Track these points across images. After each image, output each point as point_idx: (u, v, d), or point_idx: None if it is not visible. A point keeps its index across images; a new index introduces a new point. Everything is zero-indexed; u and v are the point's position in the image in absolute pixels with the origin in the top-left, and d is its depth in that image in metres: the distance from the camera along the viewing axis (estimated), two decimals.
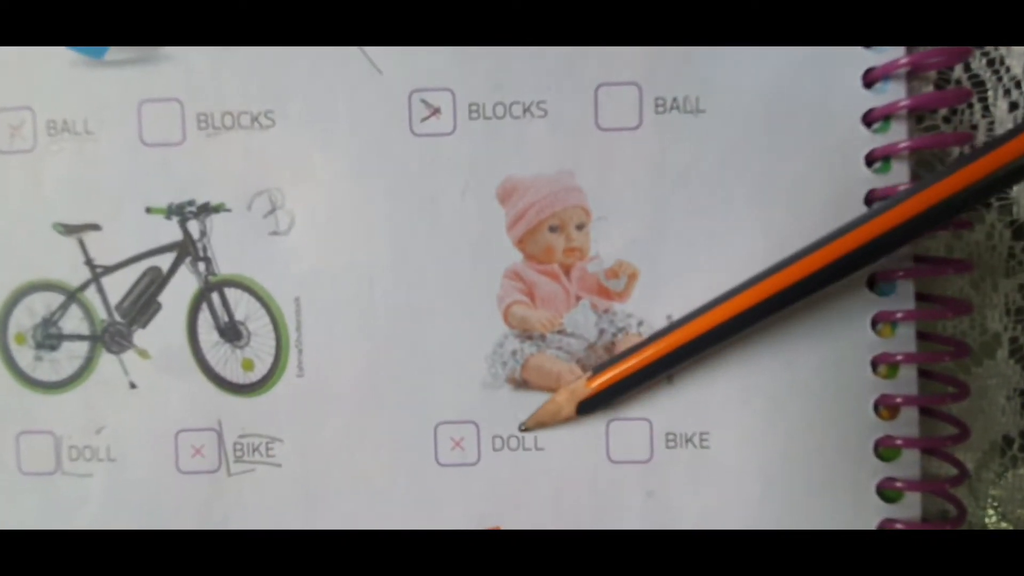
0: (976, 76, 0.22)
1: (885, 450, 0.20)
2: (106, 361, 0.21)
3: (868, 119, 0.20)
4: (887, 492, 0.20)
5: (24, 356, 0.22)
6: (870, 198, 0.20)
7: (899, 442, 0.20)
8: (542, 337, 0.21)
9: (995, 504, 0.22)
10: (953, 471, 0.20)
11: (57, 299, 0.21)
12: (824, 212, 0.20)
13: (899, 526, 0.20)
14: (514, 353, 0.21)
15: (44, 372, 0.22)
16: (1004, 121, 0.22)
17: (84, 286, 0.21)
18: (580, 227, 0.21)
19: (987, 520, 0.22)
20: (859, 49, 0.20)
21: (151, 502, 0.21)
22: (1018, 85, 0.22)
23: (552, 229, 0.21)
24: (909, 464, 0.20)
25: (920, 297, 0.20)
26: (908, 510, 0.20)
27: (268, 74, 0.21)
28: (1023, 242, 0.22)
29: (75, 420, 0.21)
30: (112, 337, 0.21)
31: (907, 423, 0.20)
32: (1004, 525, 0.22)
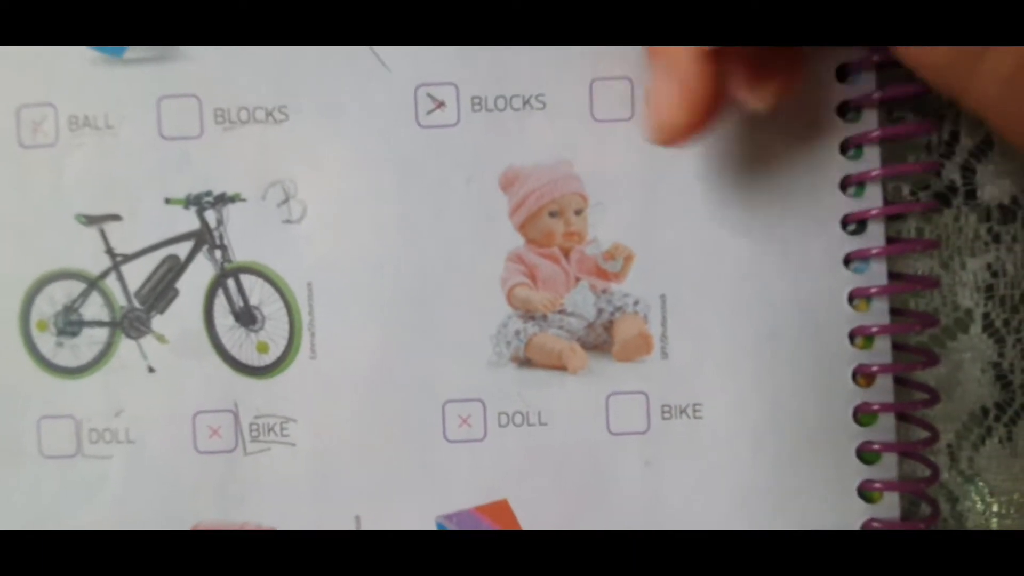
0: None
1: (863, 415, 0.22)
2: (125, 346, 0.23)
3: (841, 110, 0.22)
4: (866, 455, 0.22)
5: (46, 342, 0.23)
6: (845, 183, 0.22)
7: (875, 407, 0.22)
8: (544, 317, 0.23)
9: (973, 472, 0.24)
10: (926, 434, 0.22)
11: (78, 287, 0.23)
12: (802, 193, 0.22)
13: (878, 486, 0.22)
14: (517, 333, 0.23)
15: (65, 358, 0.23)
16: None
17: (105, 274, 0.23)
18: (578, 212, 0.23)
19: (967, 488, 0.24)
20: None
21: (169, 482, 0.23)
22: None
23: (552, 215, 0.23)
24: (885, 429, 0.22)
25: (892, 276, 0.22)
26: (886, 471, 0.22)
27: (281, 71, 0.22)
28: (987, 224, 0.24)
29: (95, 404, 0.23)
30: (131, 323, 0.23)
31: (883, 390, 0.22)
32: (982, 485, 0.24)
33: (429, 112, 0.23)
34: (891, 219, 0.23)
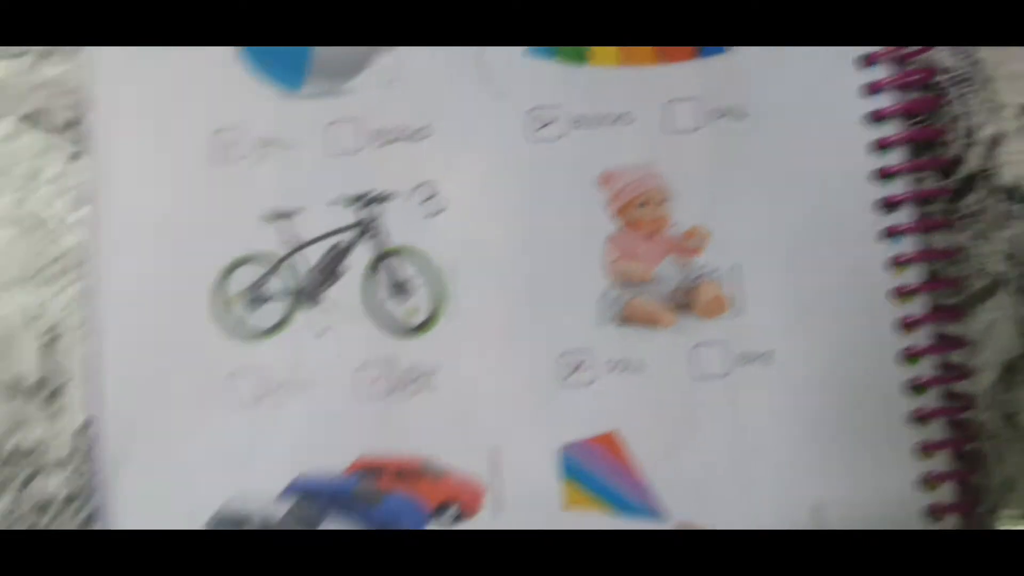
0: None
1: (909, 357, 0.28)
2: (301, 315, 0.30)
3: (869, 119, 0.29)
4: (915, 386, 0.28)
5: (235, 314, 0.30)
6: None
7: (919, 349, 0.28)
8: (638, 285, 0.29)
9: (1011, 411, 0.29)
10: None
11: (262, 269, 0.30)
12: (832, 187, 0.29)
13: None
14: (617, 298, 0.29)
15: (251, 326, 0.30)
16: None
17: (284, 259, 0.30)
18: (661, 203, 0.30)
19: (999, 426, 0.29)
20: (851, 69, 0.29)
21: (337, 424, 0.29)
22: None
23: (641, 205, 0.30)
24: (928, 367, 0.28)
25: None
26: (931, 400, 0.28)
27: (425, 102, 0.30)
28: (1014, 203, 0.30)
29: (276, 362, 0.29)
30: (305, 296, 0.30)
31: (925, 335, 0.28)
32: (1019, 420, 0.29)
33: (539, 129, 0.30)
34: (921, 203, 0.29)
